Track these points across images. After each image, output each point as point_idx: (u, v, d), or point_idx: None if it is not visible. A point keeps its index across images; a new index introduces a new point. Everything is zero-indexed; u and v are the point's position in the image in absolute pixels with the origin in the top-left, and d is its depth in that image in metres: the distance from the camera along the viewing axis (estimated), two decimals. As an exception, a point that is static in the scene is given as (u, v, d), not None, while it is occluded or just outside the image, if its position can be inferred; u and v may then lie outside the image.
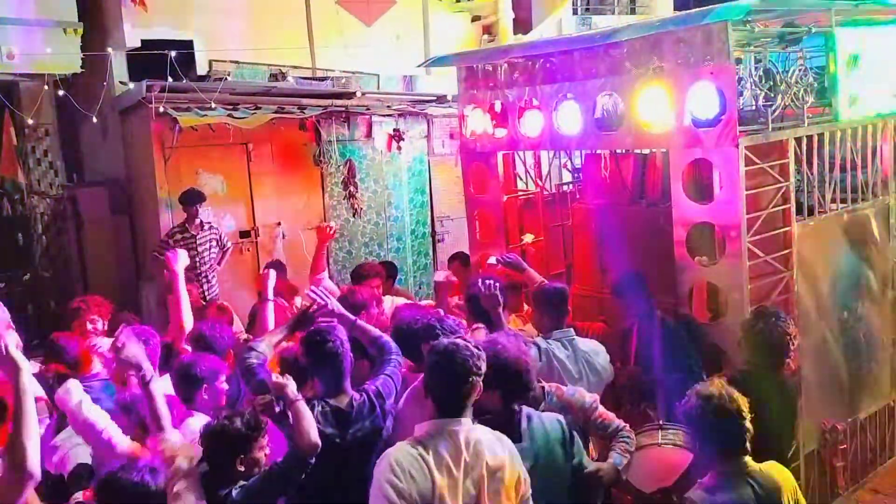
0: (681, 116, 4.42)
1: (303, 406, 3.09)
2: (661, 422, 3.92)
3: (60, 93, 8.09)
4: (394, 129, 8.79)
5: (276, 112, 7.96)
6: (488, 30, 11.33)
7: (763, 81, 4.44)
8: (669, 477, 3.52)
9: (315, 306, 3.71)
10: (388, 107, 8.80)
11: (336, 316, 3.73)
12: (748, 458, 2.93)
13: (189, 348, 4.37)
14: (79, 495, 3.31)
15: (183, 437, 3.33)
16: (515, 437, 3.02)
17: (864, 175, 5.10)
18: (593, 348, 4.19)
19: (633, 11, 13.44)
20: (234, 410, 3.27)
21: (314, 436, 3.03)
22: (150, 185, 7.95)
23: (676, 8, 12.36)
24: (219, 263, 7.61)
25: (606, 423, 3.57)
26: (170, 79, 7.49)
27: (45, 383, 4.24)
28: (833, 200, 4.91)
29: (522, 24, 11.70)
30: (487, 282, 4.29)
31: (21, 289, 8.94)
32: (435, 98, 9.01)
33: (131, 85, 8.12)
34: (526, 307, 5.12)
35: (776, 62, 4.62)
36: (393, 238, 9.04)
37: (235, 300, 6.70)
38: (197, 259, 7.30)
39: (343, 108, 8.46)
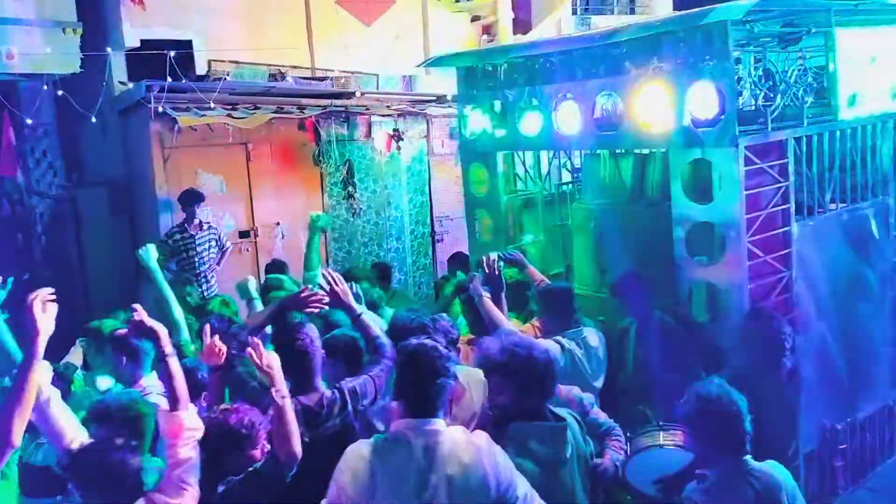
0: (680, 116, 4.42)
1: (288, 408, 3.01)
2: (660, 422, 3.92)
3: (60, 93, 8.08)
4: (393, 129, 8.78)
5: (275, 112, 7.97)
6: (488, 30, 11.32)
7: (762, 81, 4.44)
8: (670, 477, 3.52)
9: (309, 296, 3.64)
10: (388, 107, 8.80)
11: (343, 306, 3.72)
12: (748, 458, 2.93)
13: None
14: None
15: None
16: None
17: (863, 175, 5.11)
18: (597, 343, 4.29)
19: (632, 11, 13.43)
20: (233, 405, 3.25)
21: (295, 445, 2.94)
22: (149, 186, 7.95)
23: (676, 8, 12.35)
24: (218, 264, 7.61)
25: (601, 422, 3.60)
26: (169, 79, 7.48)
27: None
28: (832, 200, 4.91)
29: (522, 24, 11.69)
30: (491, 261, 4.29)
31: (20, 289, 8.92)
32: (434, 98, 9.01)
33: (130, 85, 8.12)
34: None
35: (775, 62, 4.63)
36: (392, 238, 9.03)
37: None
38: (196, 259, 7.31)
39: (342, 108, 8.46)
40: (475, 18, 11.45)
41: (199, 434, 2.95)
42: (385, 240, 8.96)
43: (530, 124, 5.31)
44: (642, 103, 4.59)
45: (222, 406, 3.20)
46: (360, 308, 3.86)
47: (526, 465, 2.86)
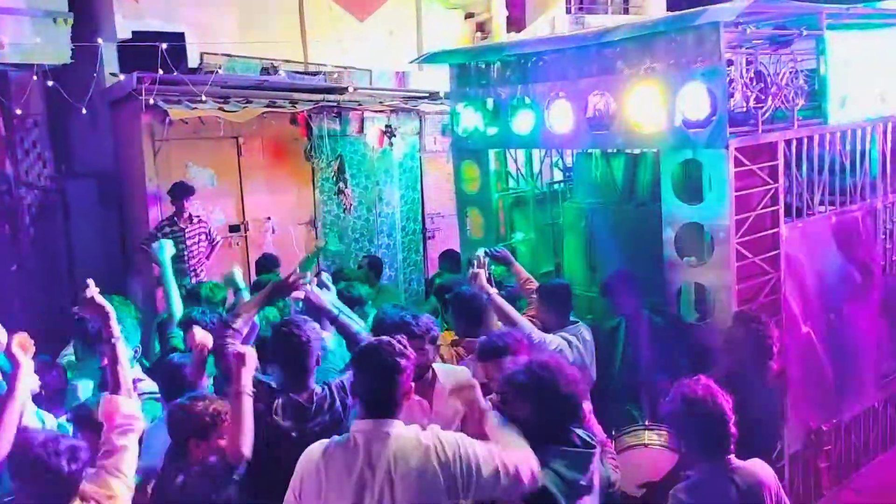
0: (672, 117, 4.43)
1: (247, 405, 2.99)
2: (646, 422, 3.94)
3: (50, 83, 8.02)
4: (386, 125, 8.77)
5: (267, 106, 7.94)
6: (482, 27, 11.31)
7: (754, 83, 4.45)
8: (656, 478, 3.54)
9: (296, 279, 3.63)
10: (381, 102, 8.79)
11: (319, 309, 3.72)
12: (732, 457, 2.94)
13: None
14: None
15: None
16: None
17: (853, 177, 5.14)
18: (590, 338, 4.35)
19: (626, 11, 13.45)
20: (199, 393, 3.24)
21: (244, 445, 2.91)
22: (139, 178, 7.91)
23: (669, 8, 12.38)
24: (207, 257, 7.59)
25: (593, 432, 3.59)
26: (160, 71, 7.44)
27: None
28: (821, 202, 4.94)
29: (516, 21, 11.69)
30: (481, 260, 4.30)
31: (8, 281, 8.88)
32: (427, 94, 8.99)
33: (121, 77, 8.06)
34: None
35: (767, 64, 4.64)
36: (383, 234, 9.02)
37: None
38: (186, 253, 7.28)
39: (335, 104, 8.44)
40: (469, 16, 11.44)
41: (139, 424, 2.91)
42: (376, 236, 8.95)
43: (523, 122, 5.31)
44: (634, 103, 4.60)
45: (190, 394, 3.19)
46: (339, 304, 3.85)
47: (551, 489, 2.75)
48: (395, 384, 2.71)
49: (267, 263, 6.82)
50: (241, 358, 3.12)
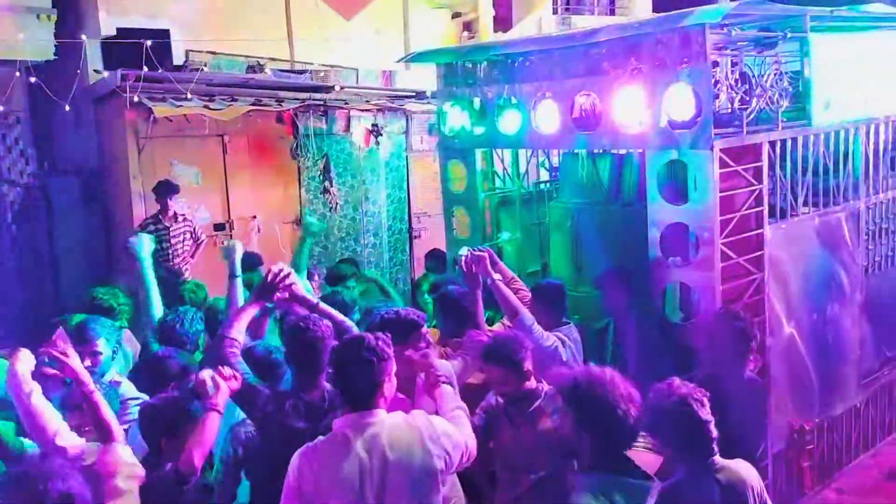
0: (657, 118, 4.45)
1: (213, 421, 3.00)
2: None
3: (32, 80, 7.95)
4: (372, 124, 8.76)
5: (253, 104, 7.90)
6: (468, 27, 11.33)
7: (739, 85, 4.47)
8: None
9: (275, 277, 3.59)
10: (367, 101, 8.77)
11: (297, 299, 3.69)
12: (717, 456, 2.93)
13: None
14: None
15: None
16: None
17: (836, 179, 5.18)
18: (578, 338, 4.36)
19: (612, 12, 13.51)
20: (171, 393, 3.22)
21: (198, 458, 2.92)
22: (123, 176, 7.85)
23: (655, 10, 12.44)
24: (192, 256, 7.55)
25: None
26: (145, 68, 7.39)
27: None
28: (805, 204, 4.97)
29: (502, 21, 11.72)
30: (467, 259, 4.25)
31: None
32: (414, 94, 8.99)
33: (105, 73, 8.00)
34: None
35: (752, 66, 4.67)
36: (369, 234, 9.01)
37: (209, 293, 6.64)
38: (170, 251, 7.24)
39: (321, 102, 8.41)
40: (456, 15, 11.45)
41: (139, 470, 2.87)
42: (362, 235, 8.94)
43: (509, 122, 5.32)
44: (620, 104, 4.61)
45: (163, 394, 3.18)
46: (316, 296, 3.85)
47: None
48: (374, 377, 2.78)
49: (249, 262, 6.75)
50: (201, 383, 3.10)
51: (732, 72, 4.52)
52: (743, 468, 3.00)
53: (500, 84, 5.34)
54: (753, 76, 4.53)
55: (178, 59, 9.01)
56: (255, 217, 8.35)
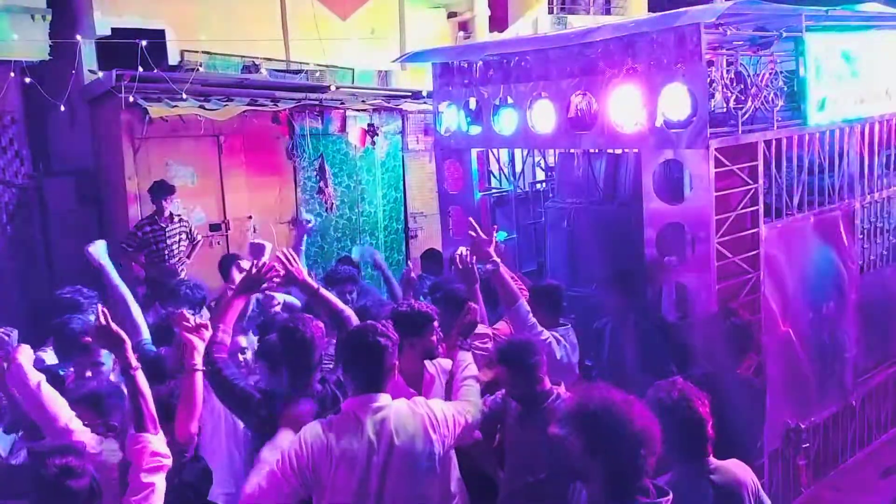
0: (653, 117, 4.46)
1: (198, 382, 3.01)
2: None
3: (27, 80, 7.93)
4: (368, 124, 8.74)
5: (248, 104, 7.89)
6: (464, 27, 11.32)
7: (734, 84, 4.49)
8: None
9: (259, 270, 3.53)
10: (363, 101, 8.76)
11: (298, 283, 3.66)
12: (711, 456, 2.93)
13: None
14: None
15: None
16: None
17: (831, 178, 5.19)
18: (575, 340, 4.37)
19: (608, 12, 13.52)
20: (163, 386, 3.21)
21: (194, 424, 2.94)
22: (118, 176, 7.83)
23: (651, 10, 12.46)
24: (188, 256, 7.53)
25: None
26: (140, 68, 7.37)
27: None
28: (800, 203, 4.98)
29: (498, 21, 11.72)
30: (464, 256, 4.25)
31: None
32: (410, 94, 8.98)
33: (101, 74, 7.98)
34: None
35: (747, 65, 4.68)
36: (366, 234, 9.00)
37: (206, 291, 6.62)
38: (166, 252, 7.23)
39: (317, 102, 8.40)
40: (452, 15, 11.45)
41: (167, 461, 2.80)
42: (358, 235, 8.92)
43: (505, 122, 5.32)
44: (616, 104, 4.62)
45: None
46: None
47: None
48: (380, 361, 2.91)
49: (229, 264, 6.48)
50: (194, 333, 3.10)
51: (728, 71, 4.53)
52: (737, 468, 2.99)
53: (496, 84, 5.34)
54: (749, 76, 4.54)
55: (173, 59, 8.99)
56: (250, 217, 8.34)
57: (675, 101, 4.34)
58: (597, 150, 5.31)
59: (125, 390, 2.95)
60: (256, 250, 4.46)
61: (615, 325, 4.67)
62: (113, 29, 8.60)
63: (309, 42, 9.51)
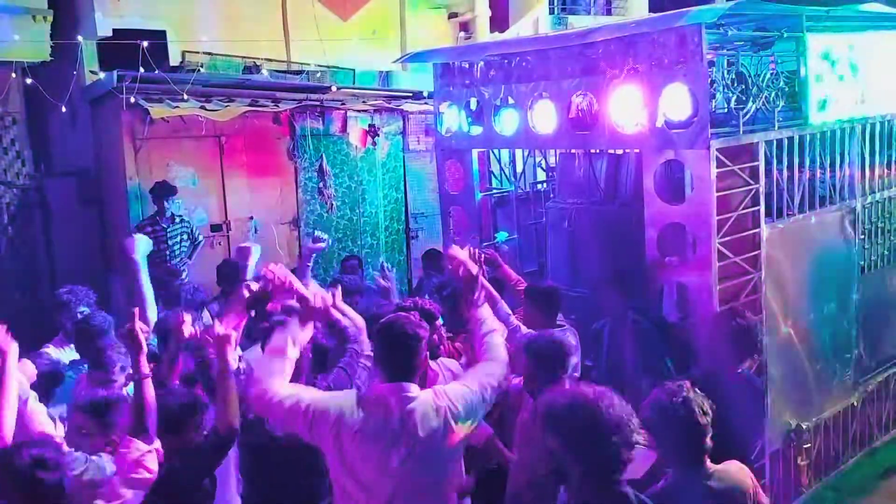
0: (654, 117, 4.46)
1: (232, 382, 3.03)
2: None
3: (29, 81, 7.93)
4: (369, 125, 8.74)
5: (249, 105, 7.89)
6: (465, 27, 11.32)
7: (735, 84, 4.49)
8: (636, 476, 3.53)
9: (272, 285, 3.50)
10: (364, 102, 8.76)
11: (295, 295, 3.62)
12: (707, 462, 2.92)
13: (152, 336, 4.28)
14: None
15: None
16: None
17: (832, 179, 5.19)
18: (575, 343, 4.28)
19: (608, 12, 13.52)
20: (172, 388, 3.21)
21: (233, 416, 2.98)
22: (119, 177, 7.84)
23: (651, 10, 12.45)
24: (189, 257, 7.54)
25: None
26: (141, 69, 7.38)
27: None
28: (801, 203, 4.98)
29: (499, 22, 11.71)
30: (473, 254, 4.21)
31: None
32: (411, 94, 8.98)
33: (102, 75, 7.99)
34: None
35: (748, 66, 4.68)
36: (367, 234, 9.00)
37: (206, 294, 6.62)
38: (167, 252, 7.23)
39: (318, 103, 8.40)
40: (452, 15, 11.44)
41: (149, 476, 2.84)
42: (359, 236, 8.93)
43: (506, 122, 5.32)
44: (617, 104, 4.62)
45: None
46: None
47: None
48: (415, 352, 3.00)
49: (228, 272, 6.11)
50: (225, 339, 3.10)
51: (729, 71, 4.53)
52: (735, 471, 2.99)
53: (497, 84, 5.35)
54: (750, 76, 4.54)
55: (174, 60, 8.99)
56: (251, 218, 8.35)
57: (676, 102, 4.34)
58: (598, 151, 5.31)
59: (147, 389, 3.01)
60: (242, 254, 4.46)
61: (613, 326, 4.67)
62: (114, 30, 8.61)
63: (310, 43, 9.52)
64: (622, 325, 4.57)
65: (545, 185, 6.45)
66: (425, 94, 8.58)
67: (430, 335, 3.61)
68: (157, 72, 7.58)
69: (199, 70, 8.26)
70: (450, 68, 5.73)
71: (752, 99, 4.52)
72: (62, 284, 5.10)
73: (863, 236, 5.46)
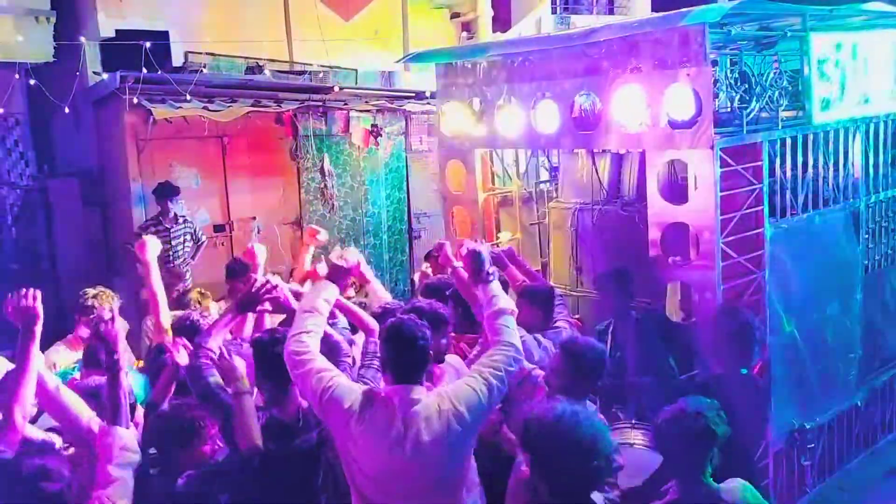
0: (657, 117, 4.45)
1: (248, 402, 3.05)
2: (633, 420, 3.94)
3: (32, 82, 7.95)
4: (371, 125, 8.75)
5: (252, 105, 7.90)
6: (467, 27, 11.32)
7: (738, 84, 4.48)
8: (639, 478, 3.53)
9: (262, 288, 3.49)
10: (366, 102, 8.77)
11: (283, 309, 3.65)
12: (710, 480, 2.90)
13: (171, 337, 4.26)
14: None
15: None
16: None
17: (836, 178, 5.18)
18: None
19: (611, 11, 13.52)
20: (182, 402, 3.21)
21: (256, 436, 2.98)
22: (122, 178, 7.85)
23: (654, 9, 12.44)
24: (192, 258, 7.55)
25: None
26: (144, 70, 7.39)
27: None
28: (805, 203, 4.97)
29: (501, 21, 11.71)
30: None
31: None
32: (413, 94, 8.98)
33: (105, 75, 7.99)
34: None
35: (752, 65, 4.67)
36: (369, 234, 9.00)
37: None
38: (171, 253, 7.24)
39: (320, 103, 8.41)
40: (455, 15, 11.44)
41: (136, 457, 2.86)
42: (362, 236, 8.93)
43: (509, 122, 5.32)
44: (620, 104, 4.62)
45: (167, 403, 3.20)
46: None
47: None
48: (420, 355, 3.00)
49: (236, 269, 5.96)
50: (232, 368, 3.14)
51: (732, 71, 4.52)
52: (739, 491, 2.95)
53: (500, 84, 5.34)
54: (753, 75, 4.53)
55: (177, 60, 9.01)
56: (254, 218, 8.36)
57: (680, 101, 4.34)
58: (601, 150, 5.31)
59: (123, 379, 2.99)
60: (250, 255, 4.48)
61: (617, 326, 4.66)
62: (117, 31, 8.63)
63: (312, 43, 9.52)
64: (625, 325, 4.55)
65: (548, 184, 6.44)
66: (427, 94, 8.58)
67: (439, 339, 3.61)
68: (159, 73, 7.59)
69: (201, 71, 8.26)
70: (452, 68, 5.73)
71: (755, 98, 4.52)
72: (65, 285, 5.11)
73: (867, 236, 5.45)
